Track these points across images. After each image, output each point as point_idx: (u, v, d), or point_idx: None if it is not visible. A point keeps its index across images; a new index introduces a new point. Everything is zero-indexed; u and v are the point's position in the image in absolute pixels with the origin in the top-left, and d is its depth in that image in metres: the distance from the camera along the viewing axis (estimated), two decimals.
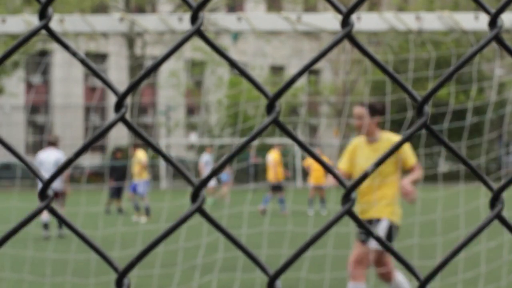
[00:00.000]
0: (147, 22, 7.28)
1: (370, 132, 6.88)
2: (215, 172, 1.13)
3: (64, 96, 50.22)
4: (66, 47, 1.15)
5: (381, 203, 6.76)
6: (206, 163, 26.59)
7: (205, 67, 47.75)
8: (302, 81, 45.80)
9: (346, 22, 1.14)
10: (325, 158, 24.00)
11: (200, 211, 1.12)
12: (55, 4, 37.25)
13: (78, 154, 1.11)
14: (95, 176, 40.56)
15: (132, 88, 1.12)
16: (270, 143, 38.57)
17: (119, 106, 1.11)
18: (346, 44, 36.11)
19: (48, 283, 9.64)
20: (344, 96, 46.71)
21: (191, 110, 53.06)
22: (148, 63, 41.00)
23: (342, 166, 7.03)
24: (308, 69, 1.15)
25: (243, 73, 1.18)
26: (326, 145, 46.49)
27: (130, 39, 42.35)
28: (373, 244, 6.73)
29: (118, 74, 46.68)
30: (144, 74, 1.11)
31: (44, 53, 47.33)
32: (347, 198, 1.15)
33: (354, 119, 6.87)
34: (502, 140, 43.08)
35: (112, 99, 46.82)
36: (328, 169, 1.17)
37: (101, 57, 50.29)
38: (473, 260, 10.71)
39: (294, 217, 19.67)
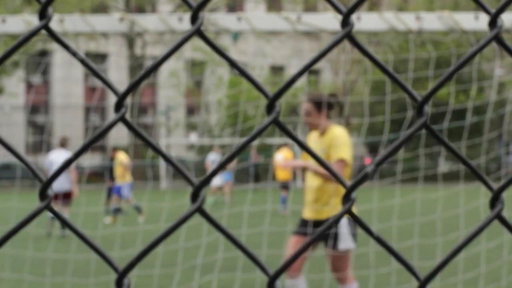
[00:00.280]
0: (147, 22, 7.28)
1: (318, 126, 6.65)
2: (215, 172, 1.13)
3: (64, 96, 50.23)
4: (66, 47, 1.15)
5: (335, 201, 6.53)
6: (213, 162, 26.74)
7: (205, 67, 47.76)
8: (302, 81, 45.80)
9: (346, 22, 1.14)
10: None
11: (200, 211, 1.12)
12: (55, 4, 37.25)
13: (78, 154, 1.11)
14: (95, 176, 40.57)
15: (132, 88, 1.12)
16: (275, 143, 38.60)
17: (119, 106, 1.11)
18: (346, 44, 36.12)
19: (48, 283, 9.64)
20: (344, 96, 46.72)
21: (191, 110, 53.07)
22: (148, 63, 40.99)
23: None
24: (308, 69, 1.15)
25: (243, 73, 1.18)
26: None
27: (130, 39, 42.36)
28: (342, 246, 6.50)
29: (118, 74, 46.68)
30: (144, 74, 1.11)
31: (44, 53, 47.34)
32: (347, 198, 1.15)
33: (303, 116, 6.70)
34: (502, 140, 43.08)
35: (112, 99, 46.83)
36: (328, 169, 1.17)
37: (101, 57, 50.29)
38: (473, 260, 10.71)
39: (294, 217, 19.67)
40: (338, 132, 6.54)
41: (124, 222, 17.64)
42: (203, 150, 44.65)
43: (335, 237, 6.49)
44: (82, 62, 1.14)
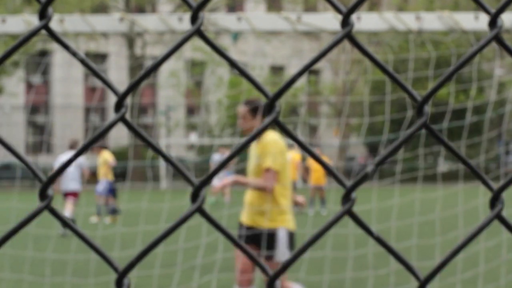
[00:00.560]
0: (147, 22, 7.28)
1: (252, 130, 6.42)
2: (215, 172, 1.13)
3: (64, 96, 50.23)
4: (66, 47, 1.15)
5: (274, 211, 6.34)
6: (217, 163, 26.80)
7: (205, 67, 47.76)
8: (302, 81, 45.81)
9: (346, 22, 1.14)
10: (325, 158, 24.04)
11: (200, 211, 1.12)
12: (55, 4, 37.24)
13: (78, 154, 1.11)
14: (95, 176, 40.53)
15: (132, 88, 1.12)
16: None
17: (119, 106, 1.11)
18: (346, 44, 36.11)
19: (47, 283, 9.64)
20: (344, 96, 46.72)
21: (191, 110, 53.08)
22: (148, 63, 40.98)
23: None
24: (308, 69, 1.15)
25: (243, 73, 1.18)
26: (326, 145, 46.50)
27: (130, 39, 42.36)
28: (281, 258, 6.30)
29: (118, 74, 46.68)
30: (144, 74, 1.11)
31: (44, 53, 47.33)
32: (347, 198, 1.15)
33: (239, 119, 6.55)
34: (502, 139, 43.10)
35: (112, 99, 46.83)
36: (328, 169, 1.17)
37: (101, 57, 50.29)
38: (472, 259, 10.71)
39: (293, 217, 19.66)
40: (269, 139, 6.35)
41: (124, 223, 17.63)
42: (203, 150, 44.64)
43: (272, 248, 6.32)
44: (82, 62, 1.14)
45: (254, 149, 6.52)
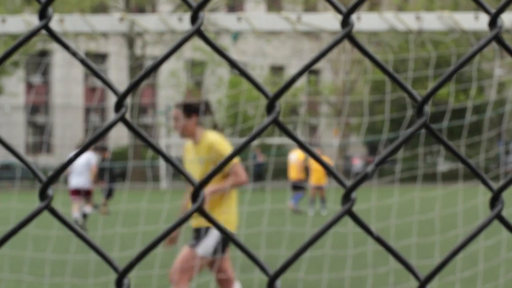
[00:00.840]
0: (147, 22, 7.27)
1: (189, 133, 6.36)
2: (215, 172, 1.13)
3: (64, 96, 50.23)
4: (66, 47, 1.15)
5: (215, 212, 6.25)
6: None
7: (205, 67, 47.76)
8: (302, 81, 45.81)
9: (346, 22, 1.14)
10: (325, 158, 24.09)
11: (200, 211, 1.12)
12: (55, 4, 37.24)
13: (78, 154, 1.11)
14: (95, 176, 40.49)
15: (132, 88, 1.12)
16: (270, 143, 38.56)
17: (119, 106, 1.11)
18: (346, 44, 36.12)
19: (47, 283, 9.64)
20: (344, 96, 46.73)
21: None
22: (148, 63, 40.99)
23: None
24: (308, 69, 1.15)
25: (243, 73, 1.18)
26: (326, 145, 46.50)
27: (130, 39, 42.36)
28: (200, 251, 6.30)
29: (118, 74, 46.68)
30: (144, 74, 1.11)
31: (44, 53, 47.33)
32: (347, 198, 1.15)
33: (172, 122, 6.46)
34: (502, 139, 43.11)
35: (112, 100, 46.83)
36: (328, 169, 1.17)
37: (101, 57, 50.29)
38: (471, 258, 10.72)
39: (293, 217, 19.68)
40: (214, 137, 6.30)
41: (124, 223, 17.63)
42: None
43: (200, 240, 6.31)
44: (82, 62, 1.14)
45: (193, 153, 6.39)
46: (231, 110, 42.57)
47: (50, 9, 1.10)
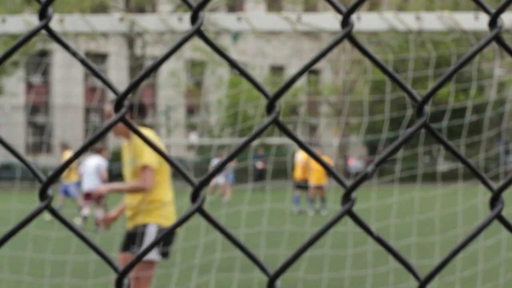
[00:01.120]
0: (147, 22, 7.27)
1: (122, 131, 6.17)
2: (215, 172, 1.13)
3: (64, 96, 50.22)
4: (66, 47, 1.15)
5: (149, 208, 6.08)
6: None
7: (205, 67, 47.75)
8: (302, 81, 45.81)
9: (346, 22, 1.14)
10: (325, 158, 24.10)
11: (200, 211, 1.12)
12: (55, 4, 37.24)
13: (78, 154, 1.11)
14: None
15: (132, 88, 1.12)
16: (270, 143, 38.53)
17: (119, 106, 1.11)
18: (346, 44, 36.12)
19: (47, 284, 9.64)
20: (344, 96, 46.72)
21: (191, 110, 53.06)
22: (148, 63, 40.98)
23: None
24: (308, 69, 1.15)
25: (243, 73, 1.18)
26: (326, 145, 46.50)
27: (130, 39, 42.35)
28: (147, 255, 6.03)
29: (118, 74, 46.67)
30: (144, 74, 1.11)
31: (44, 53, 47.31)
32: (347, 198, 1.15)
33: (105, 119, 6.31)
34: (501, 139, 43.11)
35: None
36: (328, 169, 1.17)
37: (101, 57, 50.28)
38: (471, 258, 10.72)
39: (293, 217, 19.68)
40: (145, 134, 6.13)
41: (123, 223, 17.65)
42: (203, 150, 44.64)
43: (141, 245, 6.10)
44: (82, 62, 1.14)
45: (127, 153, 6.27)
46: (231, 110, 42.57)
47: (50, 9, 1.10)
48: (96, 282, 9.56)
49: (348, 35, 1.14)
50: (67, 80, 49.98)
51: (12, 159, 40.39)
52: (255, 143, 36.08)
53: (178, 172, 1.15)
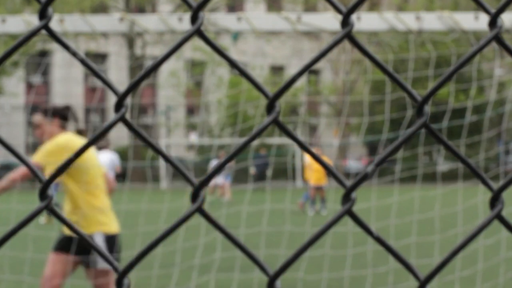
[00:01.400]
0: (147, 22, 7.27)
1: (49, 136, 6.19)
2: (215, 172, 1.13)
3: (64, 96, 50.21)
4: (66, 47, 1.15)
5: (90, 216, 6.00)
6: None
7: (205, 67, 47.75)
8: (302, 81, 45.81)
9: (346, 22, 1.14)
10: (325, 158, 24.12)
11: (200, 211, 1.12)
12: (55, 4, 37.24)
13: (78, 154, 1.11)
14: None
15: (132, 88, 1.12)
16: (270, 143, 38.53)
17: (119, 106, 1.11)
18: (346, 44, 36.12)
19: None
20: (344, 96, 46.71)
21: (191, 110, 53.06)
22: (148, 63, 40.99)
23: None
24: (308, 69, 1.15)
25: (243, 73, 1.18)
26: (326, 145, 46.50)
27: (130, 39, 42.36)
28: (102, 265, 5.96)
29: (118, 74, 46.67)
30: (144, 74, 1.11)
31: (44, 53, 47.32)
32: (347, 198, 1.15)
33: (34, 129, 6.29)
34: (502, 139, 43.12)
35: (112, 100, 46.83)
36: (328, 169, 1.17)
37: (101, 57, 50.28)
38: (471, 258, 10.72)
39: (293, 217, 19.67)
40: (57, 139, 6.09)
41: (123, 223, 17.64)
42: (203, 150, 44.64)
43: (89, 254, 6.01)
44: (82, 62, 1.14)
45: None
46: (231, 110, 42.57)
47: (50, 9, 1.10)
48: None
49: (348, 35, 1.14)
50: (67, 80, 49.99)
51: (12, 159, 40.38)
52: (257, 143, 36.11)
53: (178, 172, 1.15)
